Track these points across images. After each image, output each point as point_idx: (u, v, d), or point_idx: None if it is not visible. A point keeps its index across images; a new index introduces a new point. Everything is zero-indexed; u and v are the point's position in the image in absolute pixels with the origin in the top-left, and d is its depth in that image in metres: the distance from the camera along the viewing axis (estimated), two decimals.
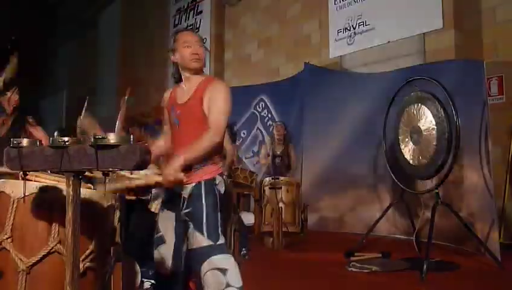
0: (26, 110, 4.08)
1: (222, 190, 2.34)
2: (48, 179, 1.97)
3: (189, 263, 2.31)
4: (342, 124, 6.78)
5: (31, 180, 1.90)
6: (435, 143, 4.45)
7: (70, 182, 1.59)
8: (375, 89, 6.32)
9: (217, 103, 2.28)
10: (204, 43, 2.54)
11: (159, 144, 2.56)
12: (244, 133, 8.33)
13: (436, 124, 4.43)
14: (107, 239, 1.98)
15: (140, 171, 2.24)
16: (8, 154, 1.62)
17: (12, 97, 3.96)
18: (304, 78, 7.27)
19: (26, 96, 4.26)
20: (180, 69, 2.41)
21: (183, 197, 2.29)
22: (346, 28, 7.43)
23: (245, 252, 4.68)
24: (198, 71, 2.40)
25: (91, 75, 14.48)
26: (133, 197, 2.50)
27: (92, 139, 1.51)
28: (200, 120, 2.30)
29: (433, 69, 5.37)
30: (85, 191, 1.86)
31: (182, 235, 2.30)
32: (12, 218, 1.85)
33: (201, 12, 10.50)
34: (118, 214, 2.02)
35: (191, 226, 2.25)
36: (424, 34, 6.38)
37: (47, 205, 1.84)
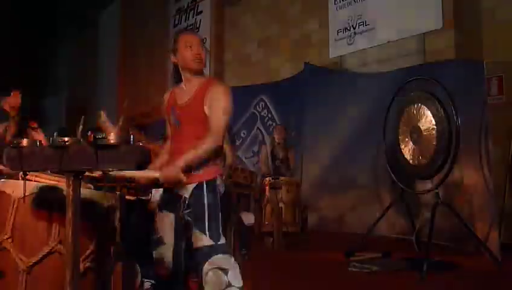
0: (27, 110, 4.08)
1: (222, 190, 2.35)
2: (48, 179, 1.97)
3: (190, 262, 2.31)
4: (342, 124, 6.78)
5: (31, 180, 1.91)
6: (434, 143, 4.45)
7: (70, 182, 1.59)
8: (375, 89, 6.31)
9: (218, 105, 2.29)
10: (205, 43, 2.54)
11: (163, 157, 2.49)
12: (244, 133, 8.33)
13: (436, 124, 4.43)
14: (107, 239, 1.98)
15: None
16: (8, 154, 1.62)
17: (13, 100, 3.97)
18: (304, 78, 7.27)
19: (27, 97, 4.26)
20: (180, 70, 2.42)
21: (184, 197, 2.29)
22: (346, 28, 7.42)
23: (245, 252, 4.68)
24: (199, 72, 2.40)
25: (91, 75, 14.48)
26: (133, 197, 2.50)
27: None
28: (200, 121, 2.30)
29: (433, 69, 5.37)
30: (85, 191, 1.86)
31: (181, 235, 2.31)
32: (12, 218, 1.85)
33: (201, 12, 10.49)
34: (118, 214, 2.02)
35: (192, 226, 2.25)
36: (424, 34, 6.37)
37: (47, 205, 1.85)
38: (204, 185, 2.28)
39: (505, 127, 5.35)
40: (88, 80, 14.53)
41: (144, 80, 11.90)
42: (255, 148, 8.07)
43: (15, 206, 1.85)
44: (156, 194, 2.57)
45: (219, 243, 2.22)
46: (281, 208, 5.45)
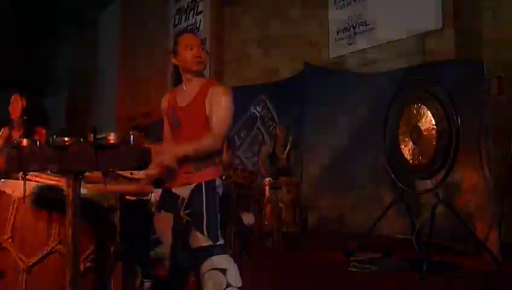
0: (32, 111, 4.06)
1: (221, 191, 2.35)
2: (48, 179, 1.97)
3: (189, 262, 2.31)
4: (342, 123, 6.78)
5: (31, 180, 1.91)
6: (434, 143, 4.45)
7: (70, 182, 1.59)
8: (375, 88, 6.31)
9: (219, 107, 2.29)
10: (204, 43, 2.54)
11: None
12: (244, 133, 8.32)
13: (436, 124, 4.43)
14: (107, 239, 1.98)
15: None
16: (8, 155, 1.63)
17: (16, 104, 3.96)
18: (304, 78, 7.27)
19: (26, 97, 4.25)
20: (181, 71, 2.42)
21: (182, 198, 2.29)
22: (346, 28, 7.42)
23: (245, 252, 4.68)
24: (200, 73, 2.40)
25: (91, 75, 14.47)
26: (133, 197, 2.50)
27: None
28: (202, 122, 2.30)
29: (433, 69, 5.37)
30: (85, 191, 1.86)
31: (180, 235, 2.30)
32: (12, 218, 1.85)
33: (201, 12, 10.48)
34: (118, 214, 2.02)
35: (191, 226, 2.25)
36: (424, 34, 6.37)
37: (47, 205, 1.85)
38: (204, 186, 2.27)
39: (505, 127, 5.35)
40: (88, 80, 14.52)
41: (144, 80, 11.89)
42: (255, 148, 8.06)
43: (15, 206, 1.85)
44: (156, 194, 2.57)
45: (218, 243, 2.22)
46: (281, 208, 5.45)
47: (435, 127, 4.45)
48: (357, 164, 6.53)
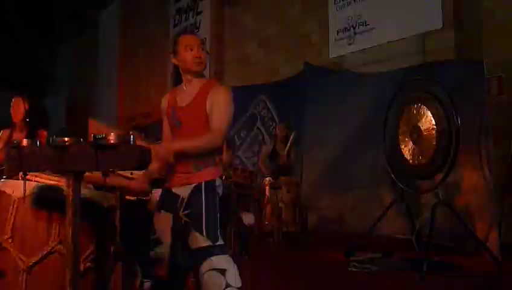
0: (33, 112, 4.05)
1: (221, 192, 2.35)
2: (48, 179, 1.97)
3: (188, 263, 2.31)
4: (342, 123, 6.77)
5: (31, 180, 1.90)
6: (434, 143, 4.45)
7: (70, 182, 1.59)
8: (375, 88, 6.31)
9: (219, 107, 2.29)
10: (204, 43, 2.54)
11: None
12: (244, 133, 8.33)
13: (436, 124, 4.43)
14: (107, 239, 1.98)
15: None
16: (8, 155, 1.62)
17: (17, 107, 3.96)
18: (304, 78, 7.26)
19: (28, 100, 4.24)
20: (181, 71, 2.42)
21: (182, 198, 2.29)
22: (346, 28, 7.42)
23: (245, 252, 4.68)
24: (200, 73, 2.41)
25: (91, 75, 14.47)
26: (133, 197, 2.50)
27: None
28: (202, 122, 2.31)
29: (433, 69, 5.37)
30: (85, 191, 1.86)
31: (180, 235, 2.30)
32: (12, 218, 1.85)
33: (201, 12, 10.49)
34: (118, 214, 2.02)
35: (190, 226, 2.25)
36: (423, 34, 6.37)
37: (47, 205, 1.85)
38: (203, 186, 2.28)
39: (505, 127, 5.34)
40: (88, 80, 14.53)
41: (144, 80, 11.90)
42: (255, 148, 8.07)
43: (15, 206, 1.85)
44: (156, 194, 2.57)
45: (217, 243, 2.22)
46: (281, 208, 5.45)
47: (435, 127, 4.45)
48: (357, 164, 6.53)
